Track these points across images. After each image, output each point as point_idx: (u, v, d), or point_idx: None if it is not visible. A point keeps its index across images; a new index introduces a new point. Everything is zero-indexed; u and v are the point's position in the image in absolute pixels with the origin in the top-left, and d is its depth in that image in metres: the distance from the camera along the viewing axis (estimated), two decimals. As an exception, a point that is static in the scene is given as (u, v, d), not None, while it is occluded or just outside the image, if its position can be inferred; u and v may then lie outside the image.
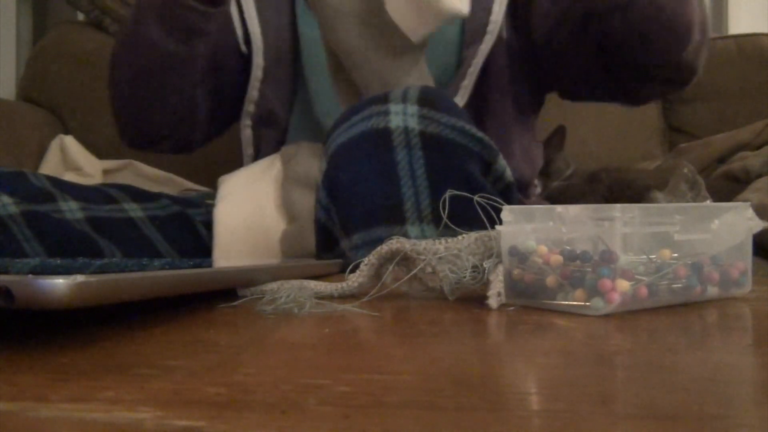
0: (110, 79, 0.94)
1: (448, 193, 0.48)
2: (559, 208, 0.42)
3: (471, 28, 0.92)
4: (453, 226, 0.46)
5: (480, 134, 0.65)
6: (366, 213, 0.63)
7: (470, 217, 0.45)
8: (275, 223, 0.78)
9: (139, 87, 0.91)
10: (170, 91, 0.92)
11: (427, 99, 0.65)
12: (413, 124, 0.63)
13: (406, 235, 0.60)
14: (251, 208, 0.80)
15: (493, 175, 0.67)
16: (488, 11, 0.91)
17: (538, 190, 1.19)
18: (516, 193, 0.71)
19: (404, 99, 0.65)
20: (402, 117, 0.64)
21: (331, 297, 0.47)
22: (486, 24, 0.91)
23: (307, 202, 0.77)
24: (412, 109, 0.64)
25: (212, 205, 0.84)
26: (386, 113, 0.64)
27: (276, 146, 0.93)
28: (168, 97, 0.92)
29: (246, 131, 0.98)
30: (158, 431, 0.21)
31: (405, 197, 0.62)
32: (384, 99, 0.66)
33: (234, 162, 1.00)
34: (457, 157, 0.64)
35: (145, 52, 0.88)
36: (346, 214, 0.65)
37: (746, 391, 0.26)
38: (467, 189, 0.48)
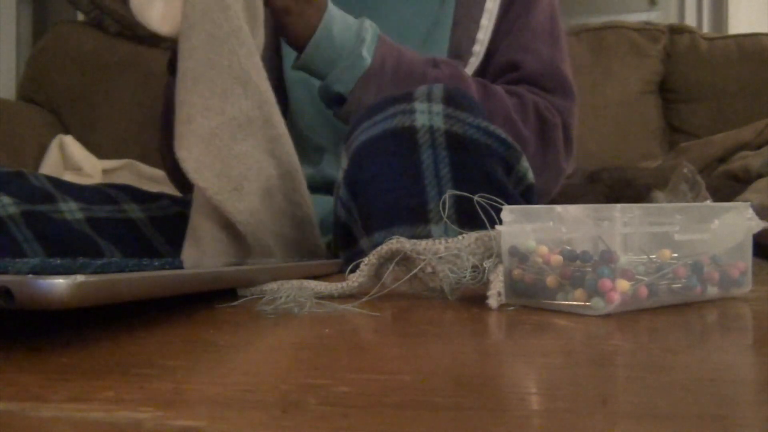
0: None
1: (448, 193, 0.48)
2: (559, 208, 0.42)
3: (455, 47, 0.89)
4: (454, 226, 0.46)
5: (504, 135, 0.65)
6: (388, 212, 0.63)
7: (491, 218, 0.45)
8: None
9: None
10: None
11: (452, 98, 0.65)
12: (439, 123, 0.63)
13: (429, 235, 0.59)
14: None
15: (515, 177, 0.67)
16: (476, 27, 0.88)
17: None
18: (536, 195, 0.70)
19: (429, 97, 0.64)
20: (428, 116, 0.63)
21: (331, 297, 0.47)
22: (473, 42, 0.88)
23: None
24: (438, 107, 0.64)
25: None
26: (412, 111, 0.64)
27: None
28: None
29: None
30: (158, 431, 0.21)
31: (429, 197, 0.61)
32: (408, 97, 0.65)
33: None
34: (480, 157, 0.63)
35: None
36: (368, 213, 0.64)
37: (746, 391, 0.26)
38: (490, 190, 0.47)
